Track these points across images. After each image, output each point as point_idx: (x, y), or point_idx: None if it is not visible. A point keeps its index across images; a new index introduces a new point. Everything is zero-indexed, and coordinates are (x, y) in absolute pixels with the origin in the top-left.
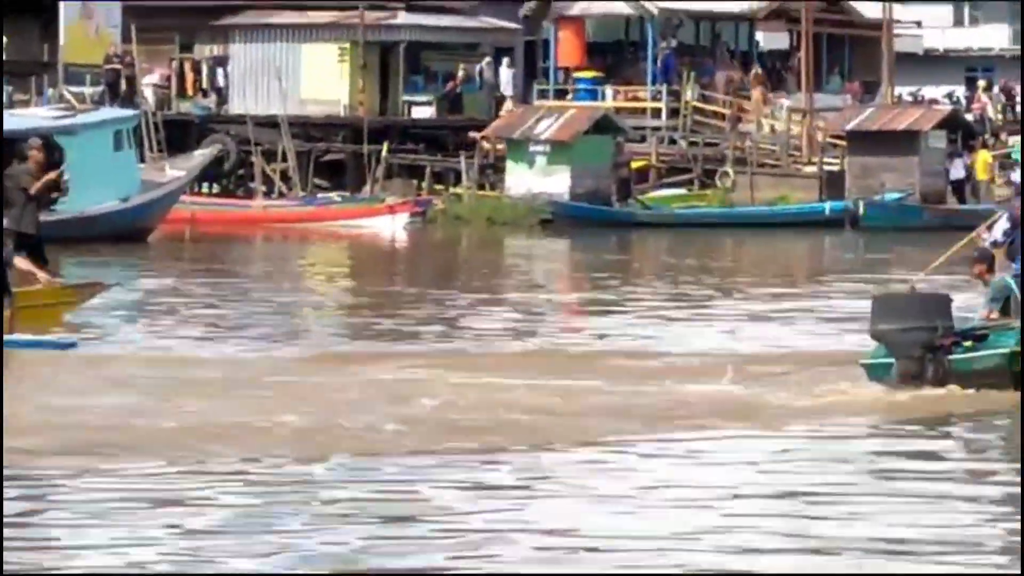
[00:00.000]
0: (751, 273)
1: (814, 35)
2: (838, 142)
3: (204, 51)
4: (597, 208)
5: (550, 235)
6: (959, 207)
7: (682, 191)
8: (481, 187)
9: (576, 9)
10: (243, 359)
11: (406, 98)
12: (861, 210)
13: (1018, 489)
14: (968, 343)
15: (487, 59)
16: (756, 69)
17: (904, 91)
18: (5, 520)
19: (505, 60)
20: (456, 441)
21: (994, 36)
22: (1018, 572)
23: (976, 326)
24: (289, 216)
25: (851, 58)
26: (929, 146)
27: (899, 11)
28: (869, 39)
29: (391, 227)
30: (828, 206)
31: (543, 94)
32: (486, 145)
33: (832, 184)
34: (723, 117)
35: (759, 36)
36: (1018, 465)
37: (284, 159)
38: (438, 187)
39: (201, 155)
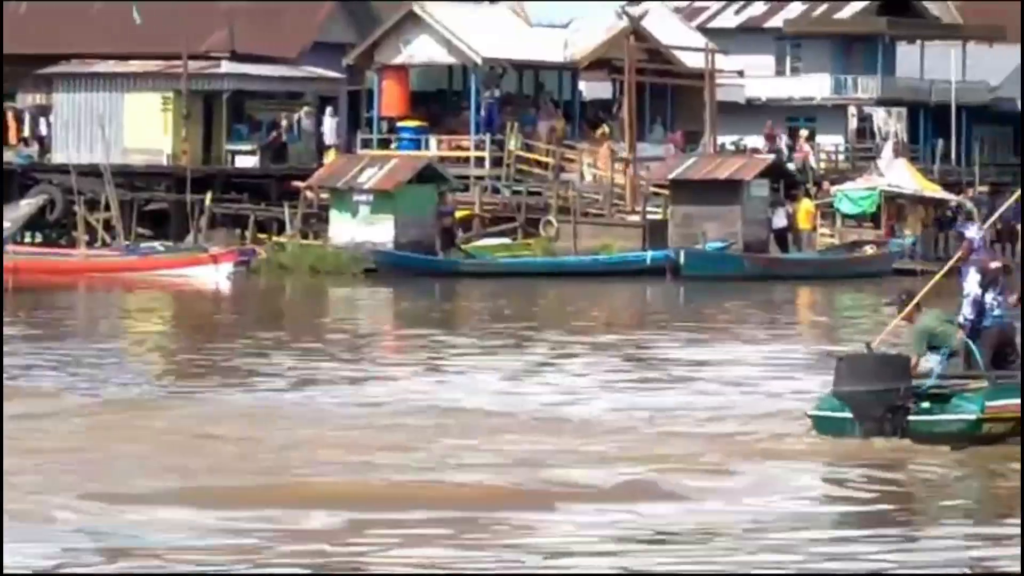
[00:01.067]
0: (564, 322)
1: (637, 84)
2: (661, 191)
3: (27, 99)
4: (421, 257)
5: (374, 284)
6: (780, 256)
7: (506, 240)
8: (305, 236)
9: (400, 58)
10: None
11: (229, 147)
12: (682, 259)
13: None
14: (926, 404)
15: (306, 108)
16: (604, 129)
17: (726, 140)
18: None
19: (328, 109)
20: None
21: (815, 86)
22: (1018, 572)
23: (935, 384)
24: (112, 265)
25: (674, 107)
26: (751, 195)
27: (721, 61)
28: (691, 88)
29: (214, 276)
30: (649, 255)
31: (367, 143)
32: (309, 194)
33: (655, 233)
34: (546, 166)
35: (582, 85)
36: None
37: (107, 208)
38: (261, 236)
39: (27, 204)
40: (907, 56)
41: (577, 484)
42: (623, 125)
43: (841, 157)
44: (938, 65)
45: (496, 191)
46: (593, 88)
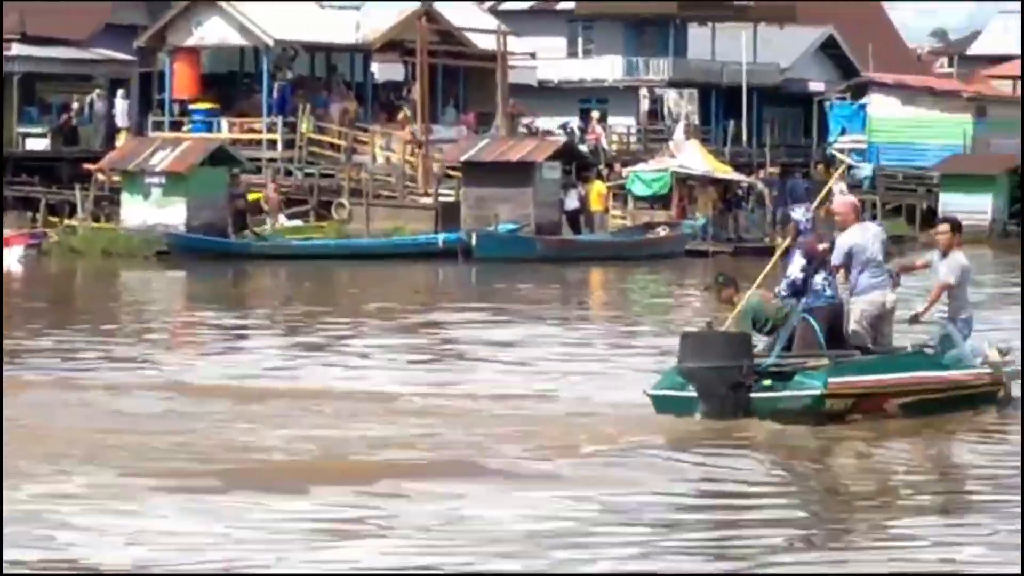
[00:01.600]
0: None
1: (429, 66)
2: (454, 173)
3: None
4: (213, 240)
5: (166, 267)
6: (572, 238)
7: (298, 223)
8: (96, 219)
9: (191, 40)
10: None
11: (20, 130)
12: (474, 241)
13: None
14: (768, 381)
15: (97, 91)
16: (406, 111)
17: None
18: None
19: (120, 92)
20: None
21: (607, 68)
22: (1018, 572)
23: (776, 363)
24: None
25: (466, 89)
26: (543, 177)
27: (513, 43)
28: (484, 70)
29: (6, 260)
30: (442, 237)
31: (158, 126)
32: (101, 177)
33: (448, 215)
34: (339, 149)
35: (374, 67)
36: None
37: None
38: (53, 219)
39: None
40: (698, 38)
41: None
42: (415, 107)
43: (633, 139)
44: (729, 47)
45: (289, 173)
46: (385, 70)
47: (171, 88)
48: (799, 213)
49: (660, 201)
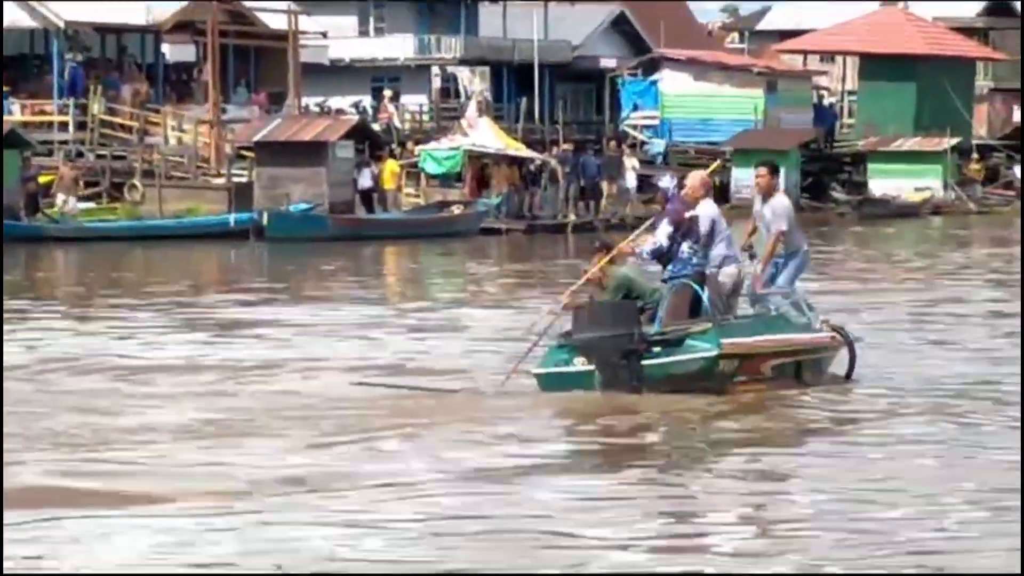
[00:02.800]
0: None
1: (220, 46)
2: (247, 153)
3: None
4: (6, 223)
5: None
6: (365, 216)
7: (91, 204)
8: None
9: None
10: None
11: None
12: (265, 221)
13: None
14: (658, 349)
15: None
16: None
17: (311, 101)
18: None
19: None
20: None
21: (399, 46)
22: (1018, 572)
23: (664, 331)
24: None
25: (258, 69)
26: (337, 156)
27: (305, 22)
28: (275, 50)
29: None
30: (233, 218)
31: None
32: None
33: (241, 195)
34: (130, 130)
35: (165, 48)
36: None
37: None
38: None
39: None
40: (490, 16)
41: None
42: (206, 88)
43: (426, 117)
44: (521, 25)
45: (80, 155)
46: (177, 51)
47: None
48: (665, 181)
49: (453, 179)
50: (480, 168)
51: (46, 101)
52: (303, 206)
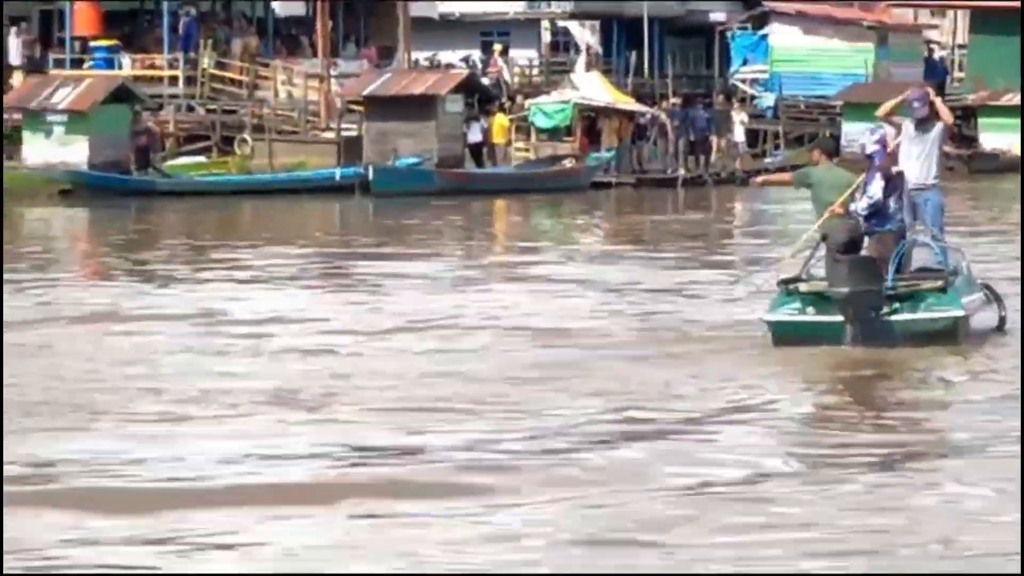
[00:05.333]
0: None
1: (330, 1)
2: (357, 108)
3: None
4: (116, 177)
5: (69, 205)
6: (472, 171)
7: (201, 159)
8: None
9: None
10: None
11: None
12: (371, 175)
13: None
14: (896, 304)
15: None
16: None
17: (421, 56)
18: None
19: (13, 29)
20: None
21: (509, 1)
22: (1018, 572)
23: (896, 285)
24: None
25: (367, 23)
26: (446, 110)
27: None
28: (385, 4)
29: None
30: (339, 172)
31: (59, 63)
32: None
33: (351, 150)
34: (240, 84)
35: (275, 3)
36: None
37: None
38: None
39: None
40: None
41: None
42: (316, 42)
43: (535, 71)
44: None
45: (191, 109)
46: (287, 5)
47: (72, 25)
48: (869, 143)
49: (562, 133)
50: (590, 122)
51: (157, 56)
52: (411, 160)
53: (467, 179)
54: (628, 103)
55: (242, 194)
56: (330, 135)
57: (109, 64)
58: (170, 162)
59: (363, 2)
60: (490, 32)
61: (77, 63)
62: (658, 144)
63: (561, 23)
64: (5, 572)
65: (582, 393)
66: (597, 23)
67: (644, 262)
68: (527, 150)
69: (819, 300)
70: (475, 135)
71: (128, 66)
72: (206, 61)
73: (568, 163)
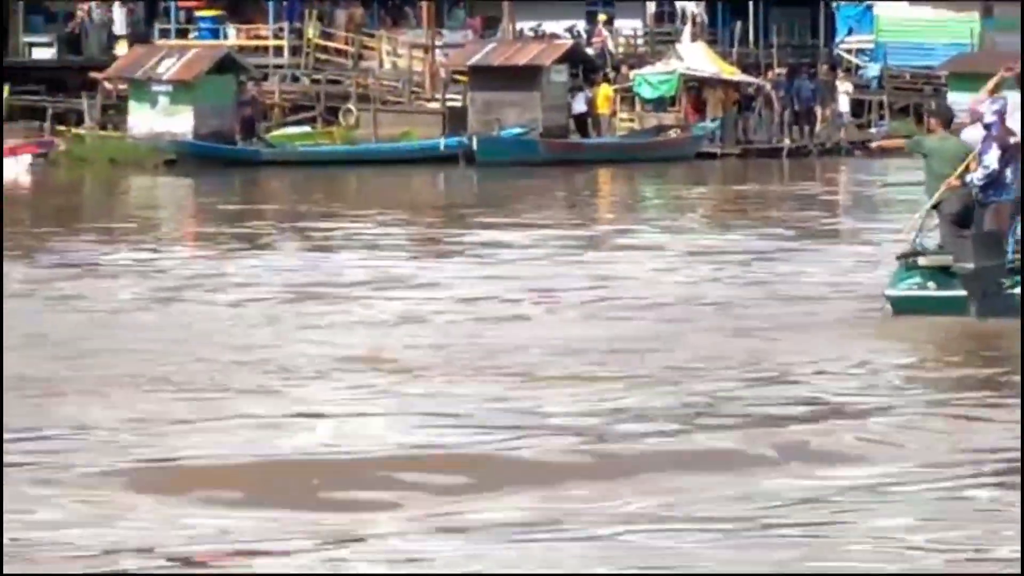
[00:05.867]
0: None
1: None
2: (461, 78)
3: None
4: (221, 147)
5: (174, 175)
6: (575, 141)
7: (306, 129)
8: (103, 128)
9: None
10: None
11: (26, 39)
12: (475, 145)
13: None
14: (1018, 277)
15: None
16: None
17: (525, 26)
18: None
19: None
20: None
21: None
22: (1018, 572)
23: (1014, 259)
24: None
25: None
26: (551, 80)
27: None
28: None
29: (14, 169)
30: (443, 142)
31: (165, 33)
32: (108, 85)
33: (455, 120)
34: (345, 54)
35: None
36: None
37: None
38: (60, 128)
39: None
40: None
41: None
42: (421, 12)
43: (640, 42)
44: None
45: (296, 80)
46: None
47: None
48: (987, 112)
49: (667, 104)
50: (695, 93)
51: (262, 26)
52: (516, 130)
53: (572, 149)
54: (733, 73)
55: (346, 164)
56: (435, 105)
57: (214, 34)
58: (275, 132)
59: None
60: (595, 2)
61: (182, 33)
62: (763, 115)
63: None
64: (5, 572)
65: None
66: None
67: (754, 232)
68: (631, 120)
69: (939, 274)
70: (579, 105)
71: (233, 36)
72: (311, 31)
73: (673, 133)
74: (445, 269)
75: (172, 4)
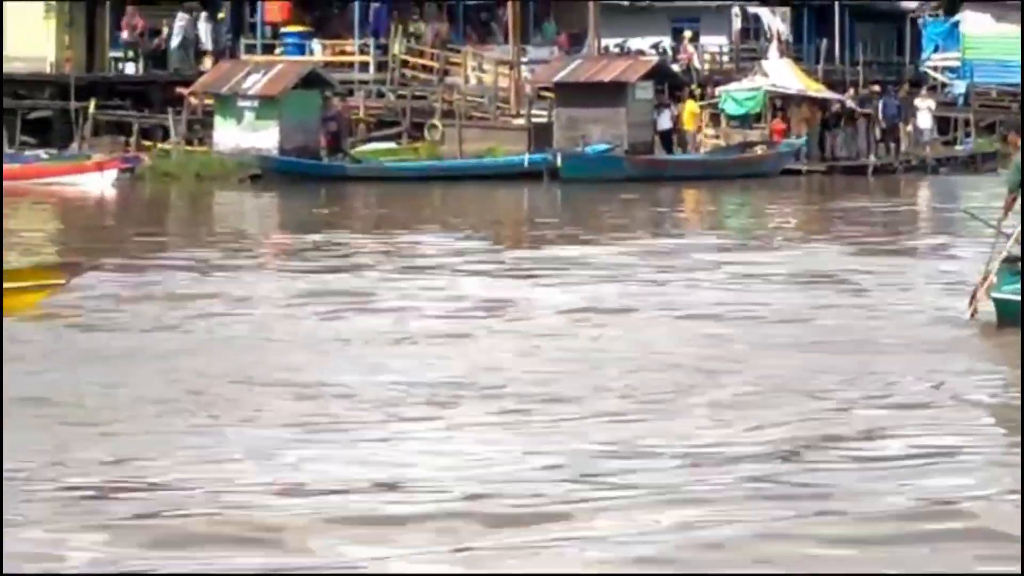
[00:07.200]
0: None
1: None
2: (547, 94)
3: None
4: (306, 162)
5: (260, 190)
6: (661, 157)
7: (392, 144)
8: (189, 143)
9: None
10: None
11: (113, 54)
12: (559, 162)
13: None
14: None
15: (180, 14)
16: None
17: (611, 43)
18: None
19: (203, 15)
20: None
21: None
22: (1018, 572)
23: None
24: None
25: (557, 10)
26: (636, 97)
27: None
28: None
29: (100, 184)
30: (527, 158)
31: (251, 49)
32: (194, 100)
33: (541, 136)
34: (431, 70)
35: None
36: None
37: None
38: (146, 143)
39: None
40: None
41: None
42: (507, 28)
43: (726, 58)
44: None
45: (381, 95)
46: None
47: (263, 11)
48: None
49: (751, 120)
50: (781, 109)
51: (347, 42)
52: (601, 147)
53: (657, 166)
54: (819, 90)
55: (431, 180)
56: (520, 121)
57: (300, 50)
58: (360, 147)
59: None
60: (681, 19)
61: (268, 49)
62: (848, 131)
63: (751, 9)
64: (5, 572)
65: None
66: (787, 9)
67: (843, 250)
68: (717, 137)
69: None
70: (665, 122)
71: (319, 52)
72: (397, 47)
73: (759, 150)
74: (541, 286)
75: (258, 19)
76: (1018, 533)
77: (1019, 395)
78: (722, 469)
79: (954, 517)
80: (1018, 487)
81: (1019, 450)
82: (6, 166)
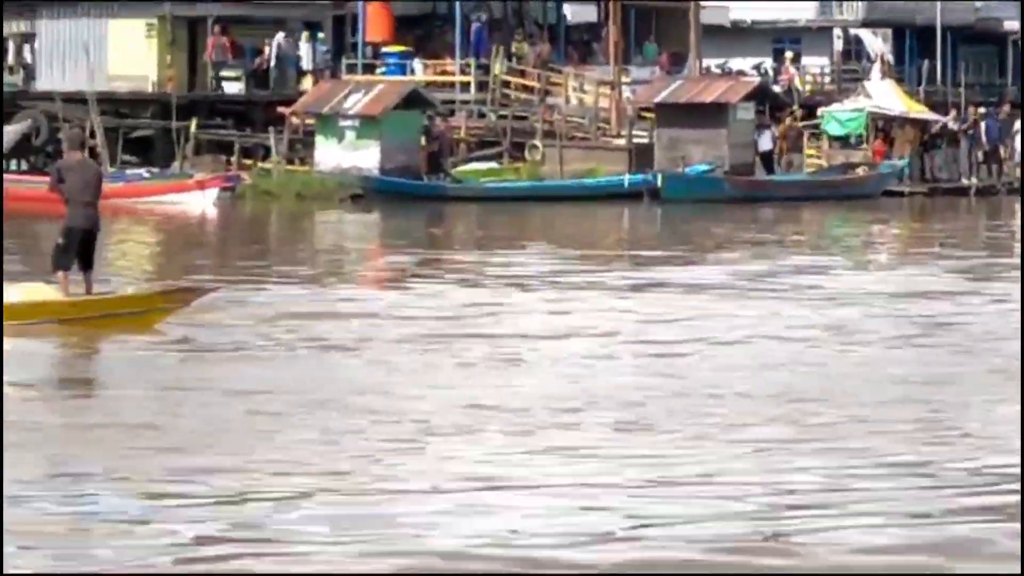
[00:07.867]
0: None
1: (622, 7)
2: (648, 115)
3: (10, 27)
4: (407, 182)
5: (360, 210)
6: (762, 178)
7: (493, 164)
8: (290, 162)
9: None
10: None
11: (224, 73)
12: (660, 182)
13: None
14: None
15: (281, 33)
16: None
17: (712, 63)
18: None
19: (304, 35)
20: None
21: (801, 8)
22: (1018, 572)
23: None
24: None
25: (659, 30)
26: (737, 118)
27: None
28: (676, 11)
29: (201, 203)
30: (627, 179)
31: (352, 69)
32: (295, 120)
33: (642, 157)
34: (532, 90)
35: (567, 9)
36: None
37: (92, 135)
38: (247, 162)
39: (11, 130)
40: None
41: None
42: (608, 49)
43: (827, 79)
44: None
45: (482, 115)
46: (578, 11)
47: (364, 31)
48: None
49: (851, 141)
50: (883, 131)
51: (448, 61)
52: (702, 168)
53: (758, 187)
54: (921, 112)
55: (531, 200)
56: (621, 142)
57: (401, 70)
58: (461, 167)
59: (655, 8)
60: (782, 39)
61: (369, 68)
62: (949, 153)
63: (853, 31)
64: (5, 572)
65: None
66: (889, 31)
67: (949, 273)
68: (818, 157)
69: None
70: (765, 143)
71: (420, 71)
72: (498, 67)
73: (861, 171)
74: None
75: (359, 39)
76: None
77: None
78: None
79: None
80: None
81: None
82: (109, 185)
